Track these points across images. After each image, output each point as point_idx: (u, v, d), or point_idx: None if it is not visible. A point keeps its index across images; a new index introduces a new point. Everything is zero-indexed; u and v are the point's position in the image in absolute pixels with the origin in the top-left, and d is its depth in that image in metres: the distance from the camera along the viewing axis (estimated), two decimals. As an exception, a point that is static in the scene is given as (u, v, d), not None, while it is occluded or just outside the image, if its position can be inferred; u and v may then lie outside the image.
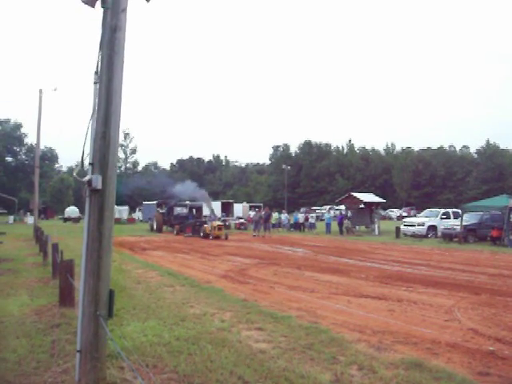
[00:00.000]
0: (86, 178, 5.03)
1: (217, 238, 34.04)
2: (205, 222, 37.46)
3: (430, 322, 8.95)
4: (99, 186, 5.03)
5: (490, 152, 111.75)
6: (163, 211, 47.26)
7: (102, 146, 5.11)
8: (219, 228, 35.02)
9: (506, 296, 11.69)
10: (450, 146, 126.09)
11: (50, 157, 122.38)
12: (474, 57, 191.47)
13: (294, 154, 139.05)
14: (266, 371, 5.93)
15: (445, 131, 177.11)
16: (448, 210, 38.45)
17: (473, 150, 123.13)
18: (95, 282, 5.03)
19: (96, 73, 5.23)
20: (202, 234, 35.61)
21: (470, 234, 30.95)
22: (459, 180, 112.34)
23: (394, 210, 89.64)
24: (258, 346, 7.08)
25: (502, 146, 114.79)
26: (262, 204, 70.08)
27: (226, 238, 33.91)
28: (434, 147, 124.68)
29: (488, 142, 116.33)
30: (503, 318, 9.29)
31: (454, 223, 33.23)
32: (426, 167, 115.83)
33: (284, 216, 49.99)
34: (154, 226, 45.35)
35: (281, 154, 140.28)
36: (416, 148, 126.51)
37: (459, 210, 33.69)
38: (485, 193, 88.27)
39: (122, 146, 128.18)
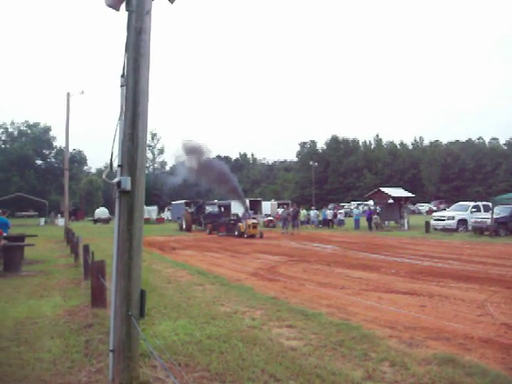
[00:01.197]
0: (115, 180, 5.09)
1: (251, 236, 33.46)
2: (239, 220, 36.65)
3: (462, 317, 8.86)
4: (128, 188, 5.08)
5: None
6: (192, 210, 47.31)
7: (130, 147, 5.16)
8: (254, 226, 34.23)
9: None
10: (479, 139, 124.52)
11: (78, 159, 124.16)
12: (498, 46, 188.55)
13: (320, 151, 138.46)
14: (298, 368, 5.93)
15: (473, 123, 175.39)
16: (478, 203, 37.95)
17: (502, 141, 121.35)
18: (126, 282, 5.08)
19: (122, 76, 5.27)
20: (236, 233, 35.09)
21: (501, 227, 30.51)
22: (489, 172, 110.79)
23: (424, 204, 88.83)
24: (289, 344, 7.09)
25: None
26: (289, 201, 69.91)
27: (261, 237, 33.51)
28: (463, 140, 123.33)
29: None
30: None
31: (484, 216, 32.81)
32: (455, 160, 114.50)
33: (313, 213, 49.89)
34: (184, 226, 45.28)
35: (307, 151, 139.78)
36: (444, 141, 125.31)
37: (490, 203, 33.26)
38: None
39: (150, 146, 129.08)
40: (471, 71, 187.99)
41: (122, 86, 5.28)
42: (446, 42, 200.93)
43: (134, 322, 4.99)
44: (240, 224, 35.10)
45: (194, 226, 45.07)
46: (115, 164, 5.23)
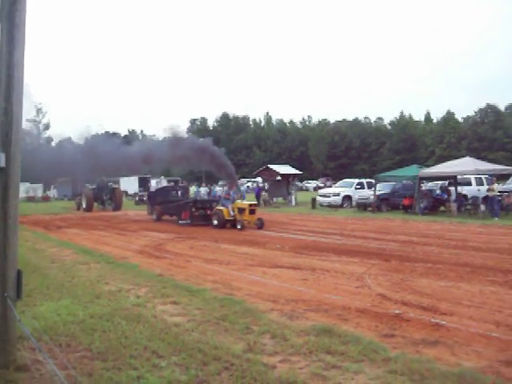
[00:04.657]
0: (-12, 157, 4.87)
1: (235, 226, 21.99)
2: (214, 202, 26.61)
3: (341, 290, 9.27)
4: (2, 164, 4.90)
5: (403, 123, 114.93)
6: (94, 187, 41.39)
7: (3, 122, 4.98)
8: (251, 211, 22.28)
9: (414, 262, 12.20)
10: (365, 118, 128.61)
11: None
12: (384, 30, 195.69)
13: (211, 127, 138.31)
14: (180, 344, 6.00)
15: (360, 103, 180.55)
16: (362, 180, 39.47)
17: (387, 121, 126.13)
18: (1, 262, 4.92)
19: (-6, 47, 5.04)
20: (216, 222, 22.73)
21: (383, 203, 31.89)
22: (374, 151, 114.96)
23: (311, 181, 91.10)
24: (173, 320, 7.14)
25: (415, 118, 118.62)
26: (179, 178, 69.50)
27: (261, 227, 21.69)
28: (350, 119, 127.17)
29: (402, 113, 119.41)
30: (410, 283, 9.72)
31: (368, 193, 34.23)
32: (342, 139, 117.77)
33: (203, 190, 49.93)
34: (84, 205, 38.75)
35: (198, 128, 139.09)
36: (332, 120, 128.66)
37: (373, 180, 34.68)
38: (397, 163, 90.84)
39: (35, 121, 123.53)
40: (357, 53, 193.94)
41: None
42: (332, 23, 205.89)
43: (10, 304, 4.85)
44: (222, 208, 22.74)
45: (96, 205, 40.11)
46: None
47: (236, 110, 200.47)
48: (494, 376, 5.02)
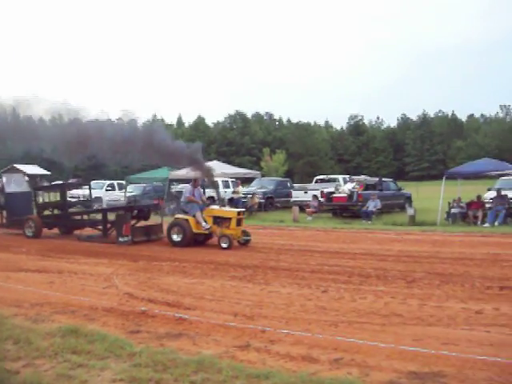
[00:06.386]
0: None
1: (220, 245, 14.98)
2: (150, 205, 21.10)
3: (89, 291, 9.30)
4: None
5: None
6: None
7: None
8: (238, 221, 15.45)
9: (162, 261, 12.62)
10: (119, 119, 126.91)
11: None
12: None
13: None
14: None
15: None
16: (113, 181, 39.29)
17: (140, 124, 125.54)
18: None
19: None
20: (175, 238, 15.53)
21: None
22: (126, 153, 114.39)
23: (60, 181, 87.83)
24: None
25: (167, 122, 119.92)
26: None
27: (245, 242, 15.50)
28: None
29: (155, 117, 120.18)
30: (157, 281, 10.08)
31: (119, 195, 34.21)
32: (95, 140, 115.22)
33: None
34: None
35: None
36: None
37: (124, 182, 34.73)
38: (149, 165, 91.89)
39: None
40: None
41: None
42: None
43: None
44: (186, 217, 15.54)
45: None
46: None
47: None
48: (229, 359, 5.52)
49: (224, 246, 14.67)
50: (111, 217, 17.50)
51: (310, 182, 36.10)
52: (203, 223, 15.21)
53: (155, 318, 7.30)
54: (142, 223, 17.62)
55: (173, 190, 31.85)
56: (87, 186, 25.37)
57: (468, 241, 16.01)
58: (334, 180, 32.36)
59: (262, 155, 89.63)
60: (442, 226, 20.44)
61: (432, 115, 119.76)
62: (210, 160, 28.74)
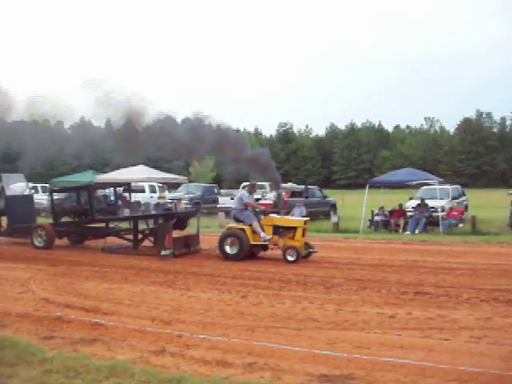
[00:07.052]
0: None
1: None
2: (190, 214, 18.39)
3: (3, 296, 9.11)
4: None
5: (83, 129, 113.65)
6: None
7: None
8: (303, 231, 13.66)
9: (82, 266, 12.43)
10: (45, 120, 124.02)
11: None
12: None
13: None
14: None
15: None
16: (37, 184, 38.32)
17: (67, 126, 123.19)
18: None
19: None
20: (229, 250, 13.59)
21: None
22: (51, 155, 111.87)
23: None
24: None
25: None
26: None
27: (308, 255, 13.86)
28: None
29: (83, 118, 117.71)
30: (75, 286, 9.93)
31: (41, 197, 33.36)
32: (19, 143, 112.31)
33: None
34: None
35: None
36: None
37: (48, 185, 33.90)
38: (75, 169, 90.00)
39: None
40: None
41: None
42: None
43: None
44: (243, 226, 13.63)
45: None
46: None
47: None
48: (143, 364, 5.50)
49: (291, 259, 13.05)
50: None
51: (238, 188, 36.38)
52: (262, 233, 13.49)
53: (71, 324, 7.19)
54: (177, 233, 15.61)
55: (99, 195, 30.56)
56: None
57: (388, 248, 16.46)
58: (261, 187, 32.69)
59: (191, 161, 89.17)
60: (365, 233, 20.94)
61: (359, 125, 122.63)
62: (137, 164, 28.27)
